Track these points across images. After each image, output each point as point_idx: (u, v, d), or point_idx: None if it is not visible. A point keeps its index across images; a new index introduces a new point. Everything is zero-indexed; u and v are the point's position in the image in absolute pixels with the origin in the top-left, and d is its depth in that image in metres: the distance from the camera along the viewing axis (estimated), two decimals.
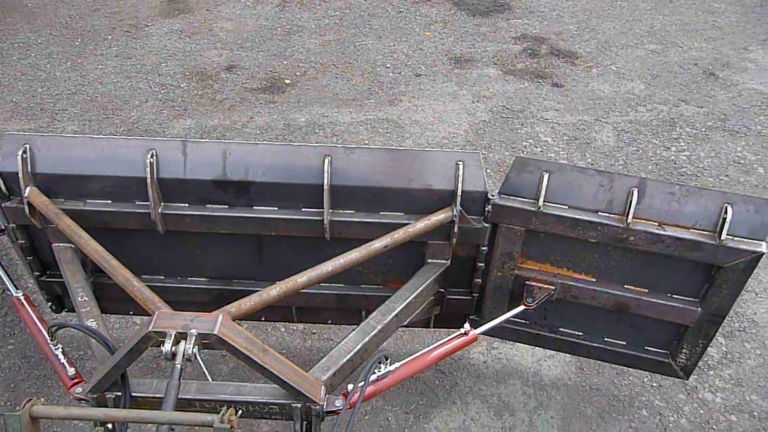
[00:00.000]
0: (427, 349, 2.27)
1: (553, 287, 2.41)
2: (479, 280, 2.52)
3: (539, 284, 2.43)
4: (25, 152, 2.33)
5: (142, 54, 5.75)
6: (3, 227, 2.66)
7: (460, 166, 2.24)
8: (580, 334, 2.59)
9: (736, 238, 2.09)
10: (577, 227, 2.22)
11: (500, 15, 6.64)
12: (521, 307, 2.45)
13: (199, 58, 5.72)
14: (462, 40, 6.14)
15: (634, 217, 2.15)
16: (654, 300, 2.34)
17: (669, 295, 2.34)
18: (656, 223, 2.16)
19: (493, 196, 2.26)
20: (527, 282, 2.44)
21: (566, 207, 2.22)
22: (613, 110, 5.17)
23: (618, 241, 2.21)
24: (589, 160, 4.58)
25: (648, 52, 6.04)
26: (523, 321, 2.60)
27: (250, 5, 6.65)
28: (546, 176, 2.19)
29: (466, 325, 2.32)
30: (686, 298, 2.32)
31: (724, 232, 2.07)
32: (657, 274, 2.31)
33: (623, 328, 2.51)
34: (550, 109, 5.14)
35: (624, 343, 2.55)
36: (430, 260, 2.46)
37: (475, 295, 2.59)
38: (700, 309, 2.30)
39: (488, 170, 4.42)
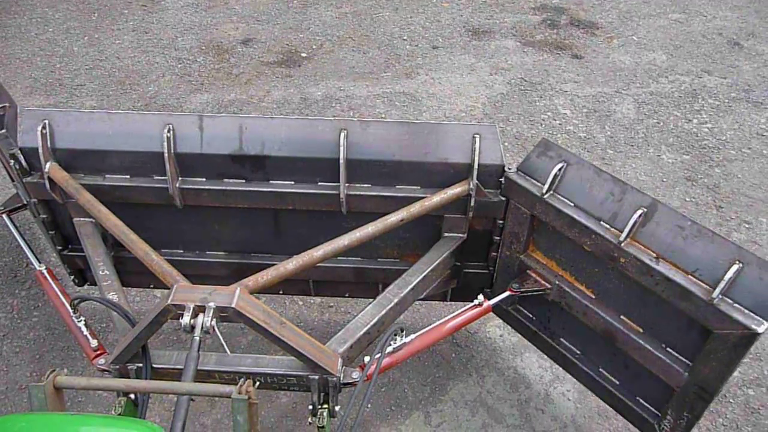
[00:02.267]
0: (442, 320, 2.28)
1: (549, 286, 2.30)
2: (495, 254, 2.51)
3: (537, 277, 2.33)
4: (44, 128, 2.36)
5: (159, 28, 5.74)
6: (25, 202, 2.71)
7: (477, 139, 2.22)
8: (578, 353, 2.40)
9: (734, 305, 1.75)
10: (574, 228, 2.08)
11: None
12: (507, 293, 2.36)
13: (216, 31, 5.69)
14: (480, 12, 6.04)
15: (631, 239, 1.94)
16: (644, 343, 2.05)
17: (662, 344, 2.03)
18: (653, 254, 1.91)
19: (510, 169, 2.24)
20: (528, 270, 2.37)
21: (571, 204, 2.10)
22: (633, 82, 5.07)
23: (609, 258, 2.00)
24: (609, 132, 4.51)
25: (671, 21, 5.89)
26: (530, 316, 2.52)
27: None
28: (559, 166, 2.10)
29: (480, 297, 2.33)
30: (678, 356, 1.99)
31: (717, 289, 1.74)
32: (655, 315, 2.02)
33: (619, 365, 2.24)
34: (569, 81, 5.05)
35: (617, 382, 2.29)
36: (446, 234, 2.45)
37: (491, 269, 2.58)
38: (687, 374, 1.96)
39: (505, 143, 4.37)
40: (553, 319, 2.43)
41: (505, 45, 5.53)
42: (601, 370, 2.32)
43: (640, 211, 1.92)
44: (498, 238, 2.45)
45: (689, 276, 1.84)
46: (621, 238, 1.94)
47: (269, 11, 6.00)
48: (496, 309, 2.50)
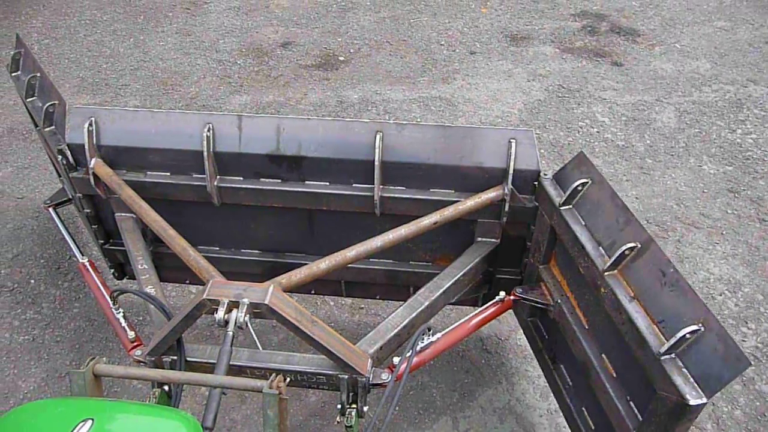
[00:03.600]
0: (465, 318, 2.29)
1: (552, 303, 2.24)
2: (528, 260, 2.50)
3: (545, 290, 2.28)
4: (90, 125, 2.44)
5: (201, 31, 5.87)
6: (70, 197, 2.80)
7: (513, 144, 2.21)
8: (569, 384, 2.29)
9: (681, 368, 1.58)
10: (575, 247, 2.02)
11: None
12: (502, 294, 2.33)
13: (256, 35, 5.79)
14: (519, 17, 6.01)
15: (618, 271, 1.84)
16: (611, 389, 1.90)
17: (627, 395, 1.86)
18: (631, 292, 1.79)
19: (545, 175, 2.22)
20: (541, 282, 2.33)
21: (582, 222, 2.04)
22: (675, 90, 4.97)
23: (594, 286, 1.92)
24: (648, 141, 4.43)
25: (715, 29, 5.76)
26: (540, 331, 2.47)
27: None
28: (582, 181, 2.06)
29: (502, 293, 2.32)
30: (634, 410, 1.83)
31: (666, 345, 1.59)
32: (628, 361, 1.84)
33: (597, 409, 2.05)
34: (608, 89, 4.99)
35: (592, 427, 2.14)
36: (479, 238, 2.45)
37: (523, 275, 2.56)
38: None
39: (541, 150, 4.34)
40: (558, 342, 2.36)
41: (544, 51, 5.49)
42: (583, 408, 2.19)
43: (632, 245, 1.81)
44: (531, 244, 2.44)
45: (653, 325, 1.70)
46: (605, 267, 1.86)
47: (309, 15, 6.08)
48: (519, 318, 2.47)
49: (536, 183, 2.26)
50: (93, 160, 2.46)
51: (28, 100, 2.77)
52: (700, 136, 4.48)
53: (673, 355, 1.60)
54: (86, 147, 2.44)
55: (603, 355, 1.98)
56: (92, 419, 1.24)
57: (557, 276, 2.27)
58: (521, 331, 3.09)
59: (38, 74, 2.78)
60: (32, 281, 3.47)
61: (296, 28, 5.89)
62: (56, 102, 2.58)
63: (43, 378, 2.98)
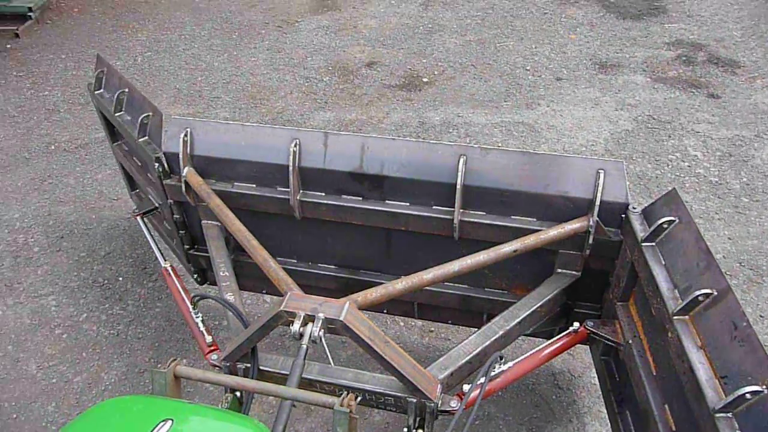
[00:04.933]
0: (537, 348, 2.24)
1: (623, 343, 2.13)
2: (607, 296, 2.40)
3: (619, 329, 2.18)
4: (186, 135, 2.56)
5: (291, 48, 6.07)
6: (156, 205, 2.93)
7: (601, 175, 2.14)
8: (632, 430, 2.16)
9: (735, 429, 1.48)
10: (650, 286, 1.92)
11: (654, 18, 6.25)
12: (576, 325, 2.26)
13: (343, 54, 5.93)
14: (609, 45, 5.85)
15: (689, 317, 1.74)
16: None
17: None
18: (699, 340, 1.69)
19: (634, 209, 2.14)
20: (616, 319, 2.23)
21: (662, 262, 1.94)
22: None
23: (663, 329, 1.81)
24: (745, 179, 4.18)
25: None
26: (614, 370, 2.35)
27: (395, 4, 6.78)
28: (669, 219, 1.96)
29: (576, 324, 2.25)
30: None
31: (722, 402, 1.50)
32: (688, 415, 1.73)
33: None
34: (702, 122, 4.76)
35: None
36: (559, 270, 2.38)
37: (603, 311, 2.46)
38: None
39: (628, 183, 4.17)
40: (626, 385, 2.23)
41: (634, 80, 5.32)
42: None
43: (707, 291, 1.70)
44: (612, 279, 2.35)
45: (716, 379, 1.58)
46: (675, 309, 1.76)
47: (395, 36, 6.17)
48: (593, 355, 2.37)
49: (623, 216, 2.17)
50: (186, 169, 2.58)
51: (116, 114, 2.91)
52: None
53: (729, 414, 1.48)
54: (180, 156, 2.56)
55: (666, 406, 1.87)
56: (172, 420, 1.29)
57: (633, 316, 2.18)
58: (595, 370, 2.98)
59: (126, 89, 2.91)
60: (120, 279, 3.66)
61: (382, 48, 5.98)
62: (150, 113, 2.70)
63: (124, 372, 3.12)
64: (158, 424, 1.27)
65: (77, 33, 6.60)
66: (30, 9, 6.64)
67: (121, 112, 2.92)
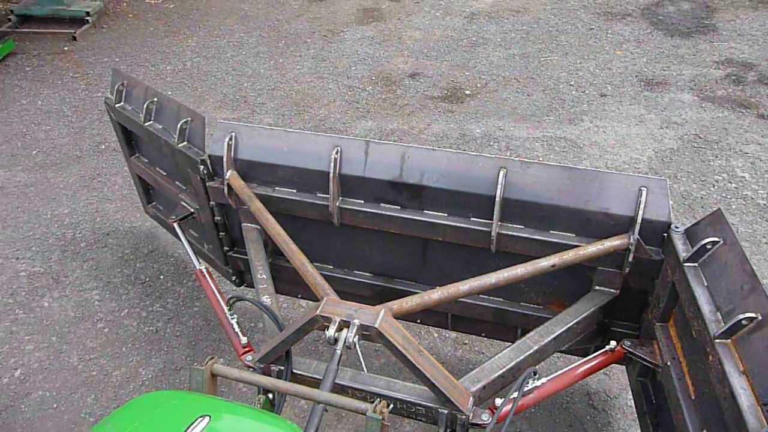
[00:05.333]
0: (573, 365, 2.21)
1: (661, 365, 2.08)
2: (646, 316, 2.35)
3: (657, 350, 2.13)
4: (231, 139, 2.62)
5: (335, 57, 6.15)
6: (191, 211, 2.97)
7: (644, 192, 2.11)
8: None
9: None
10: (691, 307, 1.86)
11: (703, 36, 6.12)
12: (613, 344, 2.21)
13: (386, 64, 5.98)
14: (656, 62, 5.76)
15: (731, 341, 1.67)
16: None
17: None
18: (741, 366, 1.63)
19: (677, 228, 2.10)
20: (654, 340, 2.17)
21: (704, 283, 1.89)
22: None
23: (704, 353, 1.76)
24: None
25: None
26: (650, 393, 2.29)
27: (439, 16, 6.81)
28: (713, 240, 1.91)
29: (613, 343, 2.20)
30: None
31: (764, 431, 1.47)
32: None
33: None
34: (751, 143, 4.63)
35: None
36: (597, 287, 2.34)
37: (641, 331, 2.42)
38: None
39: (671, 202, 4.09)
40: (663, 409, 2.18)
41: (681, 98, 5.21)
42: None
43: (751, 315, 1.64)
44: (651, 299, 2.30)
45: (758, 406, 1.53)
46: (717, 333, 1.71)
47: (439, 48, 6.19)
48: (630, 376, 2.32)
49: (665, 235, 2.14)
50: (229, 172, 2.64)
51: (146, 124, 2.94)
52: None
53: None
54: (224, 159, 2.62)
55: (703, 431, 1.81)
56: (209, 416, 1.32)
57: (673, 337, 2.13)
58: (631, 392, 2.92)
59: (155, 98, 2.95)
60: (161, 277, 3.76)
61: (426, 59, 6.01)
62: (189, 119, 2.75)
63: (161, 369, 3.19)
64: (196, 420, 1.30)
65: (131, 37, 6.82)
66: (87, 13, 6.91)
67: (151, 121, 2.96)
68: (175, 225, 3.00)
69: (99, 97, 5.70)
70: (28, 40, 6.85)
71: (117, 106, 3.18)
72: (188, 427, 1.28)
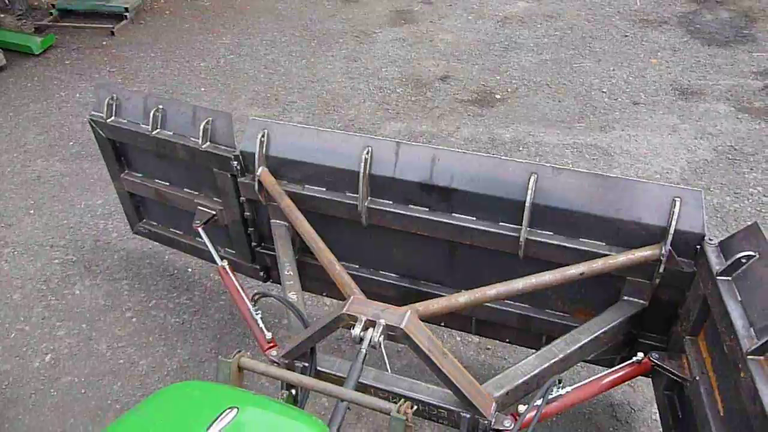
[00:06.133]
0: (598, 375, 2.18)
1: (689, 380, 2.05)
2: (676, 329, 2.32)
3: (686, 364, 2.09)
4: (263, 136, 2.65)
5: (367, 58, 6.18)
6: (213, 213, 2.97)
7: (677, 203, 2.08)
8: None
9: None
10: (723, 322, 1.82)
11: (741, 46, 6.00)
12: (640, 355, 2.18)
13: (417, 66, 5.99)
14: (692, 71, 5.66)
15: (765, 357, 1.64)
16: None
17: None
18: None
19: (710, 240, 2.07)
20: (683, 353, 2.14)
21: (738, 299, 1.85)
22: None
23: (734, 368, 1.73)
24: None
25: None
26: (677, 407, 2.25)
27: (472, 20, 6.80)
28: (748, 254, 1.87)
29: (640, 354, 2.18)
30: None
31: None
32: None
33: None
34: None
35: None
36: (625, 297, 2.32)
37: (669, 344, 2.38)
38: None
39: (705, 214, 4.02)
40: (689, 425, 2.12)
41: (716, 109, 5.12)
42: None
43: None
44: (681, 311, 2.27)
45: None
46: (749, 349, 1.68)
47: (470, 51, 6.18)
48: (656, 390, 2.30)
49: (698, 247, 2.10)
50: (261, 169, 2.67)
51: (153, 133, 2.90)
52: None
53: None
54: (256, 156, 2.65)
55: None
56: (237, 408, 1.34)
57: (702, 351, 2.09)
58: (656, 405, 2.87)
59: (160, 106, 2.89)
60: (189, 270, 3.81)
61: (457, 62, 6.00)
62: (210, 119, 2.75)
63: (186, 360, 3.24)
64: (224, 411, 1.32)
65: (167, 34, 6.94)
66: (126, 9, 7.04)
67: (158, 130, 2.92)
68: (200, 229, 2.94)
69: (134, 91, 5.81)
70: (68, 34, 7.01)
71: (109, 121, 3.05)
72: (217, 418, 1.30)
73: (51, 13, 7.28)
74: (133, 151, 3.22)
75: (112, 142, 3.17)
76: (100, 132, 3.15)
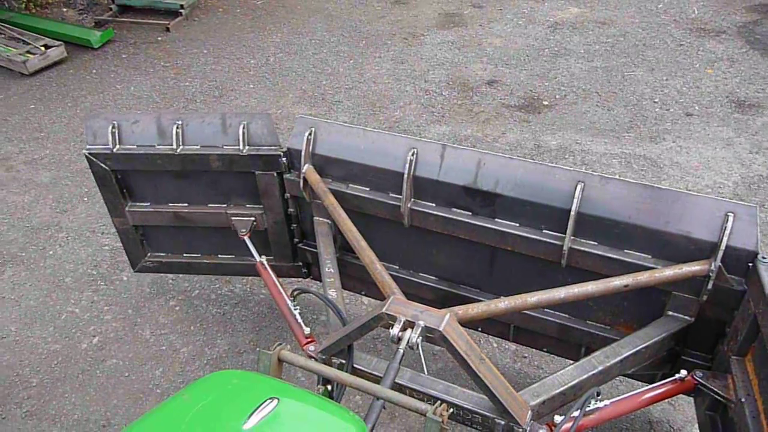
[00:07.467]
0: (638, 390, 2.14)
1: (734, 401, 1.98)
2: (722, 348, 2.25)
3: (731, 384, 2.03)
4: (310, 134, 2.69)
5: (414, 60, 6.19)
6: (253, 218, 2.96)
7: (730, 218, 2.03)
8: None
9: None
10: None
11: None
12: (683, 372, 2.10)
13: (464, 69, 5.97)
14: (750, 83, 5.48)
15: None
16: None
17: None
18: None
19: (764, 258, 2.00)
20: (729, 373, 2.07)
21: None
22: None
23: None
24: None
25: None
26: (720, 429, 2.18)
27: (522, 24, 6.74)
28: None
29: (683, 372, 2.12)
30: None
31: None
32: None
33: None
34: None
35: None
36: (670, 312, 2.27)
37: (714, 363, 2.32)
38: None
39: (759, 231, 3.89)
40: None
41: None
42: None
43: None
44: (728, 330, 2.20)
45: None
46: None
47: (519, 56, 6.12)
48: (697, 410, 2.24)
49: (750, 265, 2.04)
50: (306, 166, 2.71)
51: (178, 150, 2.80)
52: None
53: None
54: (303, 153, 2.69)
55: None
56: (278, 399, 1.37)
57: (750, 372, 2.03)
58: (698, 426, 2.80)
59: (180, 121, 2.81)
60: None
61: (505, 67, 5.96)
62: (246, 122, 2.75)
63: (225, 350, 3.31)
64: (265, 401, 1.35)
65: (219, 31, 7.10)
66: (182, 6, 7.24)
67: (182, 146, 2.82)
68: (246, 238, 2.92)
69: (186, 86, 5.96)
70: (125, 29, 7.25)
71: (116, 150, 2.87)
72: (258, 407, 1.33)
73: (111, 9, 7.54)
74: (141, 180, 3.04)
75: (115, 174, 2.98)
76: (103, 165, 2.92)
